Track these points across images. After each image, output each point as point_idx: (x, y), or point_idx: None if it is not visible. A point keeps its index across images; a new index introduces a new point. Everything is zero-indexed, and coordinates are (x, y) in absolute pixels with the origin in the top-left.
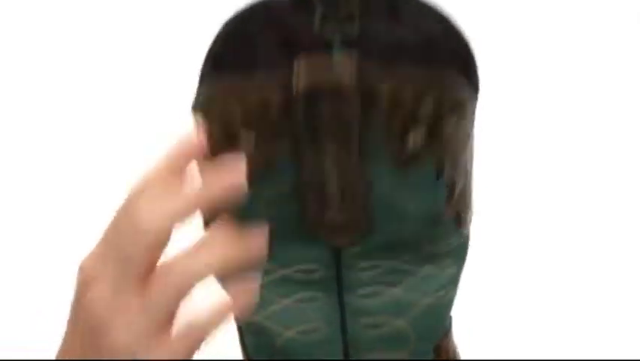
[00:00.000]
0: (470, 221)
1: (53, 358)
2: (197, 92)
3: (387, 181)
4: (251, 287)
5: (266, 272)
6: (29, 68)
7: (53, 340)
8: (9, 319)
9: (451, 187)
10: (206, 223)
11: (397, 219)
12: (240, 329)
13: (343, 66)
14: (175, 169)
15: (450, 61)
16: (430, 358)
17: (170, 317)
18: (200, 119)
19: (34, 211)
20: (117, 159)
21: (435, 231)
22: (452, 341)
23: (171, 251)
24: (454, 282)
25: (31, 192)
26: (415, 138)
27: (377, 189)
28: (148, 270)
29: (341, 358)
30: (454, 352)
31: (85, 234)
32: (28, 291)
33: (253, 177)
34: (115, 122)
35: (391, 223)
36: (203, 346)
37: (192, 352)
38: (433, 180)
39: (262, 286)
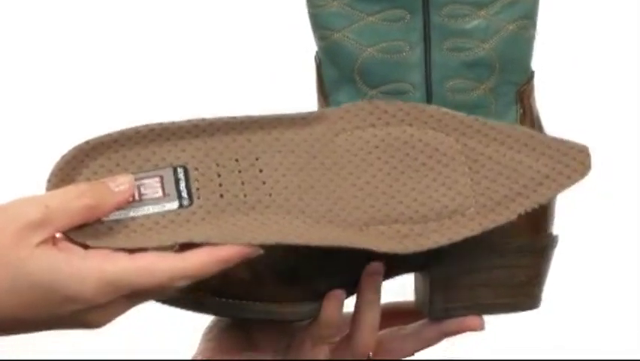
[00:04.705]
0: None
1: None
2: None
3: None
4: None
5: None
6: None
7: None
8: None
9: None
10: None
11: None
12: (318, 65)
13: None
14: None
15: None
16: (512, 104)
17: None
18: None
19: None
20: None
21: None
22: (535, 101)
23: None
24: (532, 17)
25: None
26: None
27: None
28: None
29: (423, 83)
30: (538, 115)
31: None
32: None
33: None
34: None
35: None
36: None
37: None
38: None
39: (347, 4)
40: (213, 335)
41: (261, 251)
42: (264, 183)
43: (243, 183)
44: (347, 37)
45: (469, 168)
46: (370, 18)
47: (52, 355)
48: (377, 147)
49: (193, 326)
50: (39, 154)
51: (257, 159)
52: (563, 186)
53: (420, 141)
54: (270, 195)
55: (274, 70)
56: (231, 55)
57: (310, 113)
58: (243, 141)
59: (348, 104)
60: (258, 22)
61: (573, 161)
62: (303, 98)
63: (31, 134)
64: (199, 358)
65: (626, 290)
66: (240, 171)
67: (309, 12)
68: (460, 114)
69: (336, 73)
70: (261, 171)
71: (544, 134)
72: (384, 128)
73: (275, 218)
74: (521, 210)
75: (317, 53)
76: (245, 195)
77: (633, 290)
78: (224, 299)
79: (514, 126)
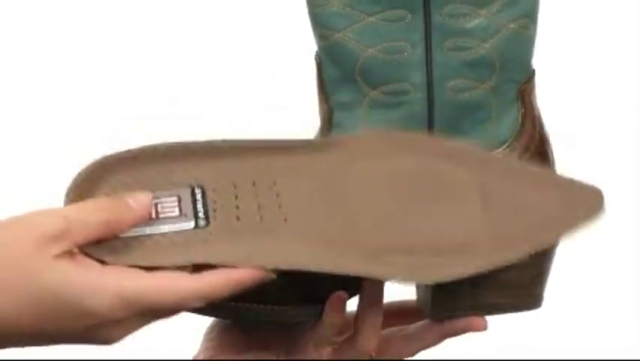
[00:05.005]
0: None
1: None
2: None
3: None
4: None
5: None
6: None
7: None
8: None
9: None
10: None
11: None
12: (318, 64)
13: None
14: None
15: None
16: (514, 103)
17: None
18: None
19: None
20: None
21: None
22: (536, 99)
23: None
24: (533, 15)
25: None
26: None
27: None
28: None
29: (424, 83)
30: (539, 113)
31: None
32: None
33: None
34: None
35: None
36: None
37: None
38: None
39: (347, 4)
40: (215, 335)
41: (274, 276)
42: (280, 207)
43: (259, 207)
44: (348, 37)
45: (482, 203)
46: (371, 18)
47: (52, 355)
48: (392, 177)
49: (194, 326)
50: (53, 166)
51: (274, 183)
52: (575, 228)
53: (434, 172)
54: (286, 220)
55: (274, 69)
56: (231, 54)
57: (328, 139)
58: (261, 165)
59: (365, 132)
60: (258, 21)
61: (586, 203)
62: (304, 98)
63: (46, 145)
64: (200, 357)
65: (627, 290)
66: (257, 195)
67: (309, 11)
68: (476, 148)
69: (337, 73)
70: (277, 195)
71: (558, 174)
72: (400, 158)
73: (289, 243)
74: (531, 250)
75: (317, 52)
76: (261, 219)
77: (634, 290)
78: (226, 302)
79: (529, 164)
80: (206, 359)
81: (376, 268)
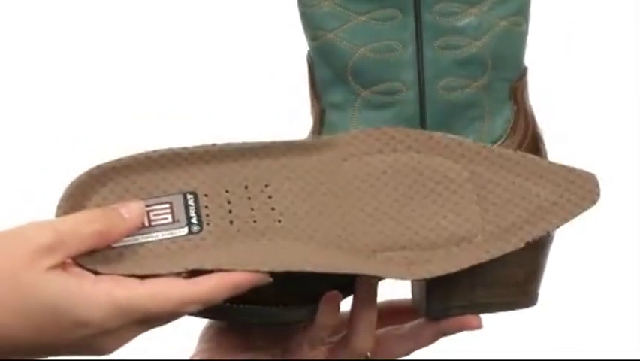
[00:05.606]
0: None
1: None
2: None
3: None
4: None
5: None
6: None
7: None
8: None
9: None
10: None
11: None
12: (310, 64)
13: None
14: None
15: None
16: (506, 100)
17: None
18: None
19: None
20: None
21: None
22: (528, 97)
23: None
24: (524, 13)
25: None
26: None
27: None
28: None
29: (415, 82)
30: (532, 111)
31: None
32: None
33: None
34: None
35: None
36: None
37: None
38: None
39: (338, 4)
40: (209, 337)
41: (270, 279)
42: (273, 209)
43: (252, 210)
44: (339, 37)
45: (477, 195)
46: (362, 17)
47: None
48: (385, 173)
49: (190, 327)
50: (54, 167)
51: (266, 186)
52: (571, 215)
53: (428, 167)
54: (280, 221)
55: (266, 70)
56: (223, 55)
57: (319, 140)
58: (253, 168)
59: (355, 131)
60: (250, 22)
61: (581, 189)
62: (296, 99)
63: (46, 146)
64: (197, 358)
65: (623, 287)
66: (249, 198)
67: (300, 12)
68: (468, 141)
69: (329, 73)
70: (270, 197)
71: (552, 161)
72: (392, 154)
73: (284, 244)
74: (529, 238)
75: (309, 52)
76: (254, 222)
77: (630, 287)
78: (221, 303)
79: (522, 154)
80: (201, 359)
81: (373, 267)
